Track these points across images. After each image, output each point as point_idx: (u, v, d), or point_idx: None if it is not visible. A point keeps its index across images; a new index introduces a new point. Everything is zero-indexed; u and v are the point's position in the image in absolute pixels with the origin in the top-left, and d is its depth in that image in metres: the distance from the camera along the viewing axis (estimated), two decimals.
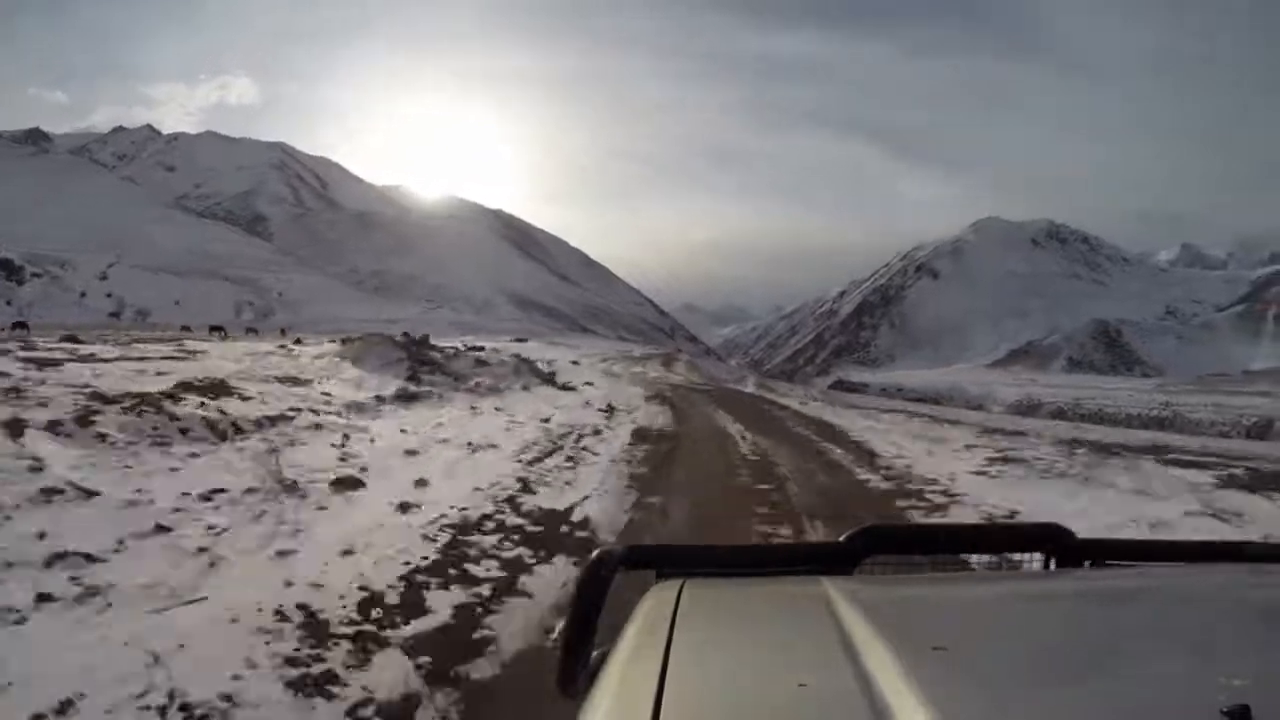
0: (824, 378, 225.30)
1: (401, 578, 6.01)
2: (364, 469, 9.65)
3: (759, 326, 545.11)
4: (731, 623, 1.22)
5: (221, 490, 7.68)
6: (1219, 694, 0.78)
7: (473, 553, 6.90)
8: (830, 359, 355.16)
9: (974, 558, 1.66)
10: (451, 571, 6.34)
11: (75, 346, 23.31)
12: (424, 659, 4.68)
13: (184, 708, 3.80)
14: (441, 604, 5.61)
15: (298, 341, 40.29)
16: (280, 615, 4.99)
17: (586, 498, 9.58)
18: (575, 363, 47.98)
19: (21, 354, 17.62)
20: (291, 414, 12.39)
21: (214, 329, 65.32)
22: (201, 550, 6.02)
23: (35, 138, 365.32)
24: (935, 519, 8.94)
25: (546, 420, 16.87)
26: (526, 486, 9.83)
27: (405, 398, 17.28)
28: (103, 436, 8.75)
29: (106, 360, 17.96)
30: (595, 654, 1.30)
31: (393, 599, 5.57)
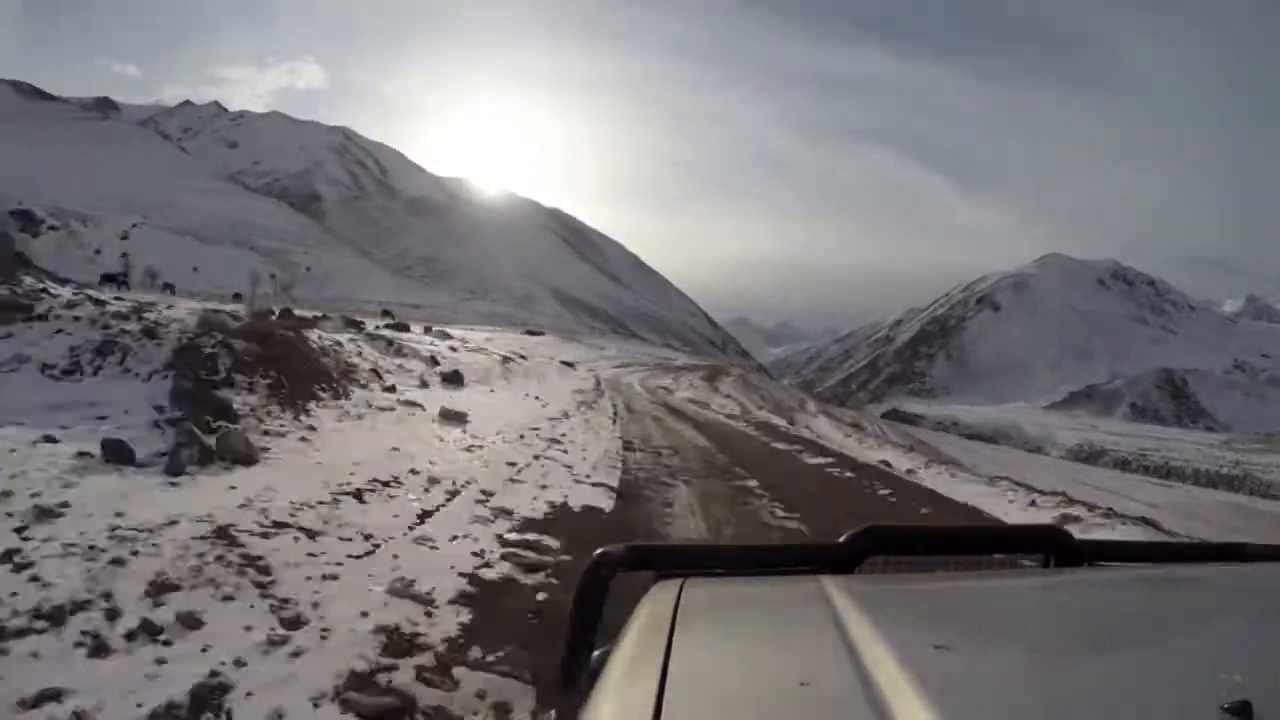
0: (876, 405, 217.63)
1: None
2: None
3: (811, 348, 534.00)
4: (732, 622, 1.21)
5: None
6: (1219, 691, 0.78)
7: None
8: (883, 386, 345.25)
9: (974, 558, 1.64)
10: None
11: None
12: None
13: None
14: None
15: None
16: None
17: None
18: (569, 364, 36.48)
19: None
20: None
21: (107, 278, 56.71)
22: None
23: (104, 106, 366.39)
24: None
25: None
26: None
27: None
28: None
29: None
30: (596, 654, 1.30)
31: None
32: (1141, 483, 42.53)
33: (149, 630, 4.35)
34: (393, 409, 13.57)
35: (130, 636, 4.26)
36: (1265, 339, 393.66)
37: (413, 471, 9.34)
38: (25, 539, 5.24)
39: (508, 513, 8.28)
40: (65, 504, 6.00)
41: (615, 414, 22.10)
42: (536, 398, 21.11)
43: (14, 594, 4.45)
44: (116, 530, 5.59)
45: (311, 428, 10.66)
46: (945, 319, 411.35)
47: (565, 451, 13.26)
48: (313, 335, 16.05)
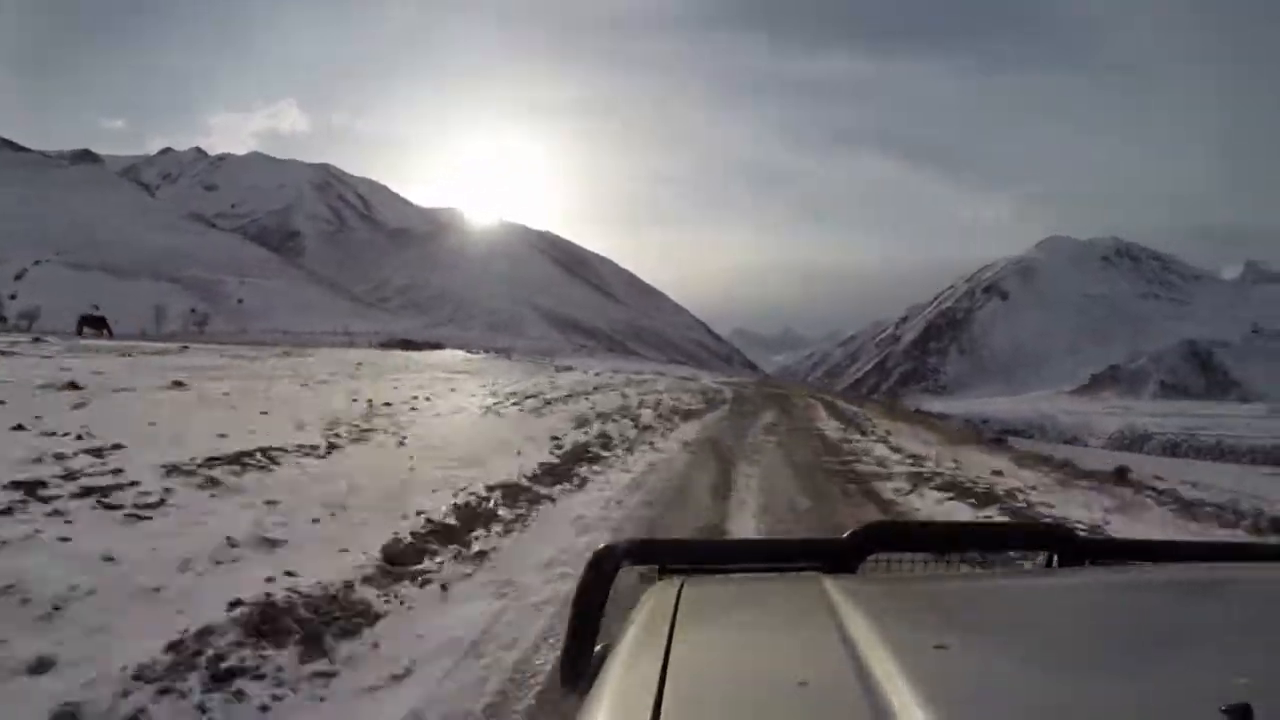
0: (869, 402, 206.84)
1: None
2: None
3: (815, 353, 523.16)
4: (733, 620, 1.21)
5: None
6: (1220, 693, 0.77)
7: None
8: (896, 387, 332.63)
9: (977, 556, 1.63)
10: None
11: None
12: None
13: None
14: None
15: None
16: None
17: None
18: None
19: None
20: None
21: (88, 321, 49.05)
22: None
23: (84, 159, 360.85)
24: None
25: None
26: None
27: None
28: None
29: None
30: (598, 649, 1.30)
31: None
32: (1246, 472, 33.10)
33: None
34: None
35: None
36: (1276, 303, 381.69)
37: None
38: None
39: None
40: None
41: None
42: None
43: None
44: None
45: None
46: (953, 312, 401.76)
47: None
48: None
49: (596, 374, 39.07)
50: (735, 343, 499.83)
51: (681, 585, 1.27)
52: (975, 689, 0.88)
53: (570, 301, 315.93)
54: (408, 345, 58.11)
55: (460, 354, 48.54)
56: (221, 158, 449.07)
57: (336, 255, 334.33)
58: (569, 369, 42.34)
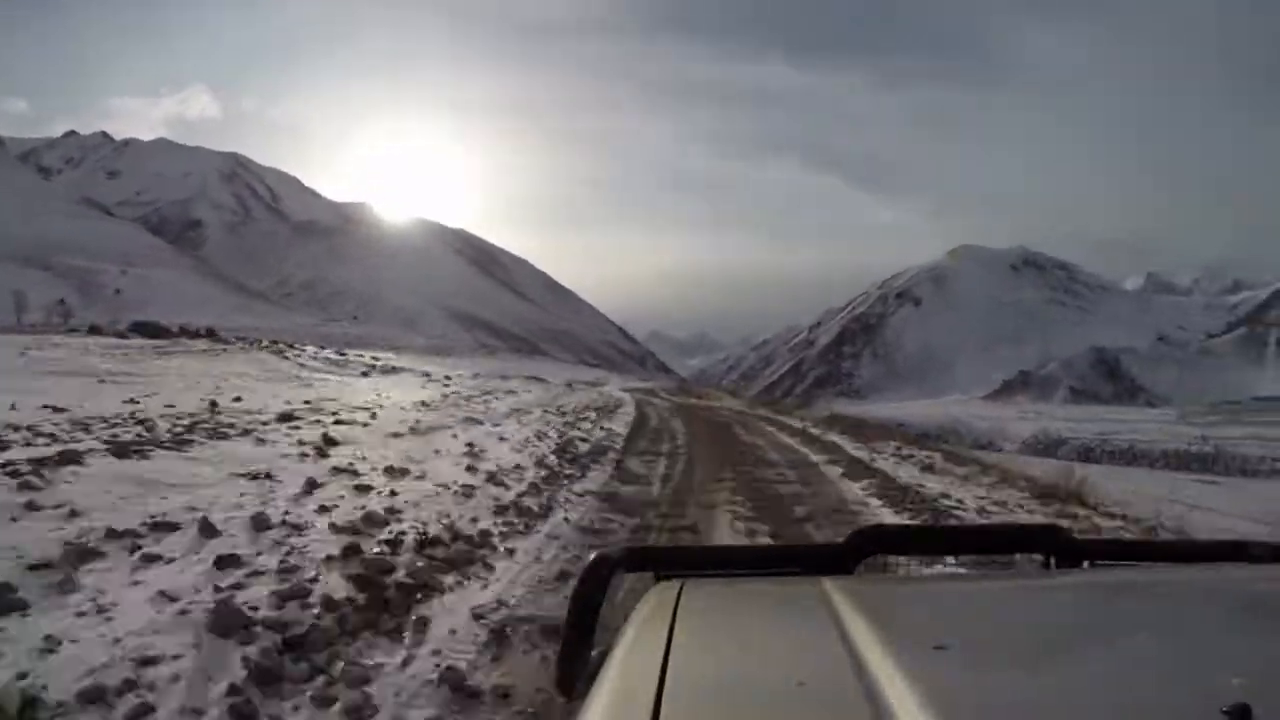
0: (807, 411, 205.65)
1: None
2: None
3: (730, 357, 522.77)
4: (731, 623, 1.21)
5: None
6: (1219, 693, 0.76)
7: None
8: (811, 390, 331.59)
9: (973, 558, 1.62)
10: None
11: None
12: None
13: None
14: None
15: None
16: None
17: None
18: None
19: None
20: None
21: None
22: None
23: None
24: None
25: None
26: None
27: None
28: None
29: None
30: (594, 654, 1.29)
31: None
32: (1168, 478, 32.44)
33: None
34: None
35: None
36: (1176, 312, 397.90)
37: None
38: None
39: None
40: None
41: None
42: None
43: None
44: None
45: None
46: (866, 317, 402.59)
47: None
48: None
49: (445, 379, 32.63)
50: (651, 346, 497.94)
51: (680, 588, 1.27)
52: (974, 689, 0.88)
53: (480, 301, 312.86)
54: (158, 333, 43.43)
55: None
56: (126, 143, 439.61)
57: (239, 247, 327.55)
58: (393, 370, 35.76)
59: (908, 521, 9.15)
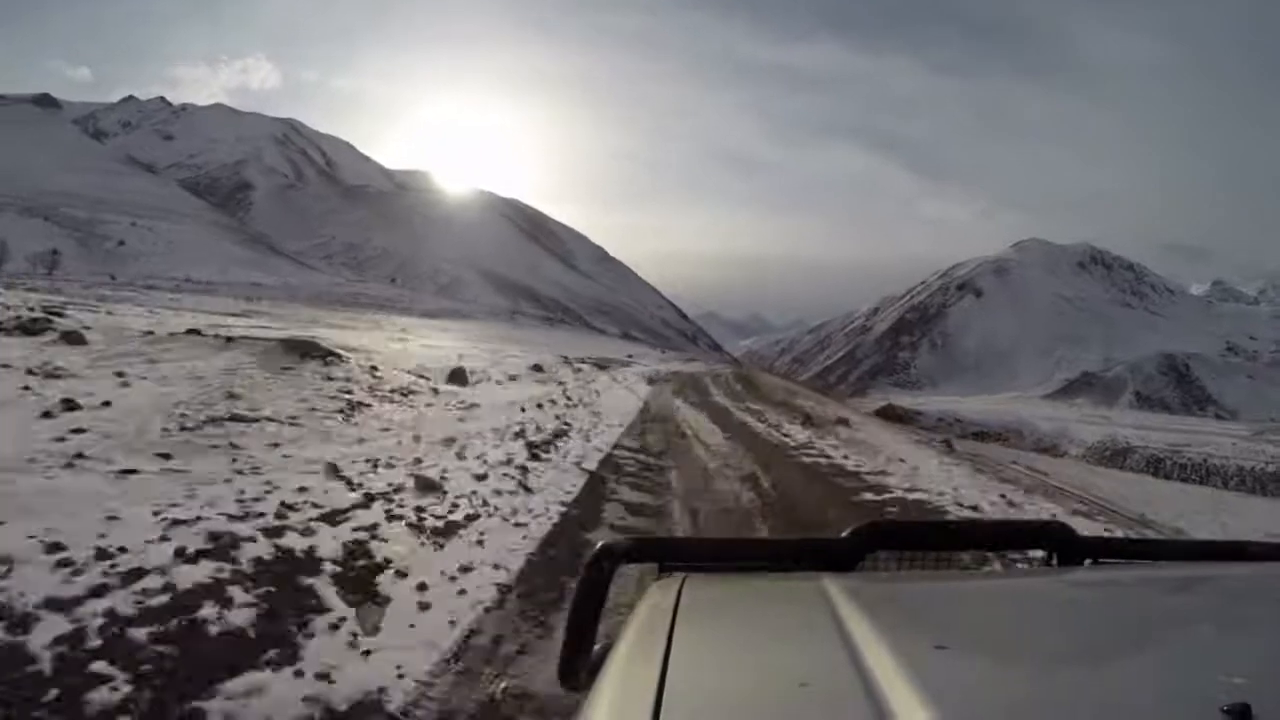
0: (860, 399, 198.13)
1: None
2: None
3: (783, 340, 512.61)
4: (733, 619, 1.21)
5: None
6: (1219, 693, 0.77)
7: None
8: (865, 379, 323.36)
9: (977, 554, 1.52)
10: None
11: None
12: None
13: None
14: None
15: None
16: None
17: None
18: None
19: None
20: None
21: None
22: None
23: (45, 103, 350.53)
24: None
25: None
26: None
27: None
28: None
29: None
30: (597, 648, 1.30)
31: None
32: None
33: None
34: None
35: None
36: (1245, 321, 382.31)
37: None
38: None
39: None
40: None
41: None
42: None
43: None
44: None
45: None
46: (925, 306, 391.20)
47: None
48: None
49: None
50: (705, 325, 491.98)
51: (681, 584, 1.27)
52: (975, 689, 0.88)
53: (525, 269, 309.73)
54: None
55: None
56: (183, 108, 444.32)
57: (287, 209, 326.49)
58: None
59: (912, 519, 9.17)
